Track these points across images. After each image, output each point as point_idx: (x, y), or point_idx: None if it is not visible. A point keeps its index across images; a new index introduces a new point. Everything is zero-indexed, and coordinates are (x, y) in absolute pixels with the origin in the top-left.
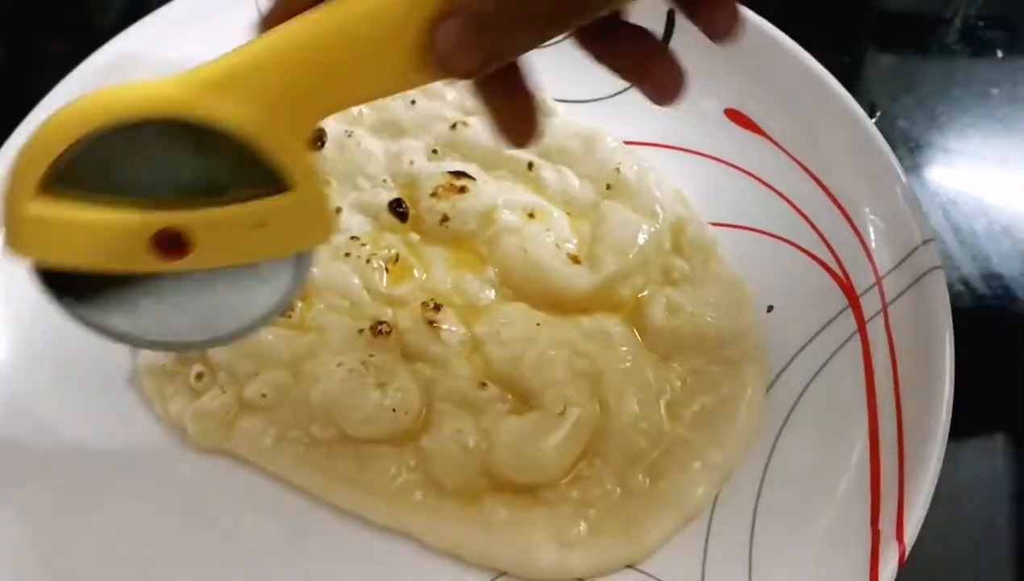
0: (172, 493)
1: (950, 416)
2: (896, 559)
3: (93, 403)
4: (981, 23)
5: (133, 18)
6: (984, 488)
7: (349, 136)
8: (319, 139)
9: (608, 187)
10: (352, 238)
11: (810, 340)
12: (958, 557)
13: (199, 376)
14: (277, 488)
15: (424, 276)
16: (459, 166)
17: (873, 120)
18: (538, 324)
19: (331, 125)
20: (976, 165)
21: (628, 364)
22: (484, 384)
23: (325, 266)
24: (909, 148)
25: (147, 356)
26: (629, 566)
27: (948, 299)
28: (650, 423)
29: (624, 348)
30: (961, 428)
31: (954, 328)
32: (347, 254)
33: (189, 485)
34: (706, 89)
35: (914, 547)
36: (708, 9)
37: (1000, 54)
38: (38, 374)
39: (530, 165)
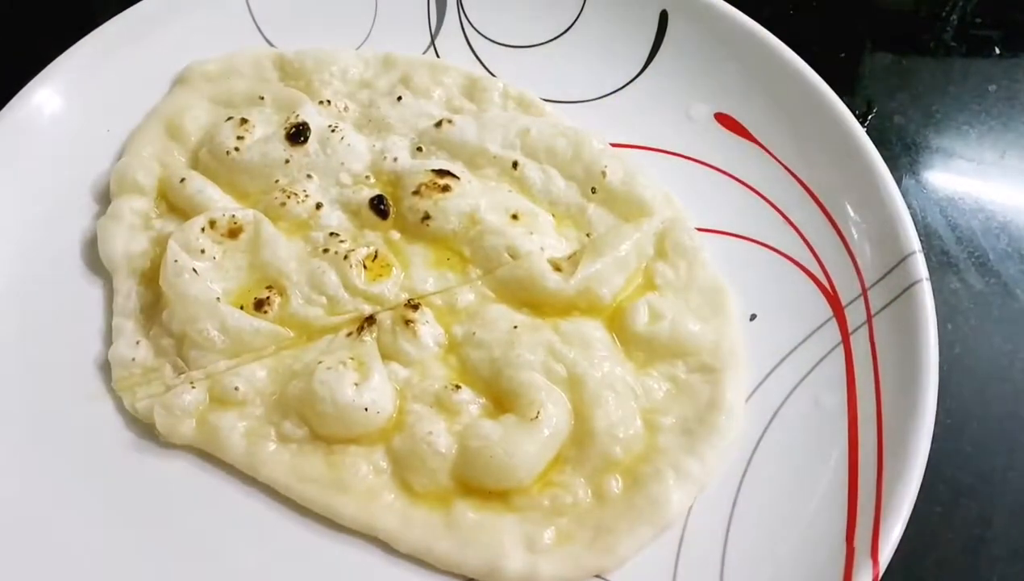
0: (136, 491)
1: (931, 433)
2: (870, 577)
3: (58, 392)
4: (978, 20)
5: None
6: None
7: (333, 131)
8: (302, 133)
9: (593, 190)
10: (331, 234)
11: (793, 350)
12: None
13: (176, 370)
14: (244, 489)
15: (403, 275)
16: (444, 164)
17: (869, 117)
18: (516, 327)
19: (315, 120)
20: (973, 162)
21: (606, 370)
22: (458, 386)
23: (303, 261)
24: (905, 145)
25: (119, 347)
26: (598, 576)
27: (933, 312)
28: (626, 431)
29: (603, 353)
30: (953, 428)
31: (951, 324)
32: (325, 250)
33: (154, 482)
34: (697, 93)
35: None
36: None
37: (997, 51)
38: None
39: (515, 164)
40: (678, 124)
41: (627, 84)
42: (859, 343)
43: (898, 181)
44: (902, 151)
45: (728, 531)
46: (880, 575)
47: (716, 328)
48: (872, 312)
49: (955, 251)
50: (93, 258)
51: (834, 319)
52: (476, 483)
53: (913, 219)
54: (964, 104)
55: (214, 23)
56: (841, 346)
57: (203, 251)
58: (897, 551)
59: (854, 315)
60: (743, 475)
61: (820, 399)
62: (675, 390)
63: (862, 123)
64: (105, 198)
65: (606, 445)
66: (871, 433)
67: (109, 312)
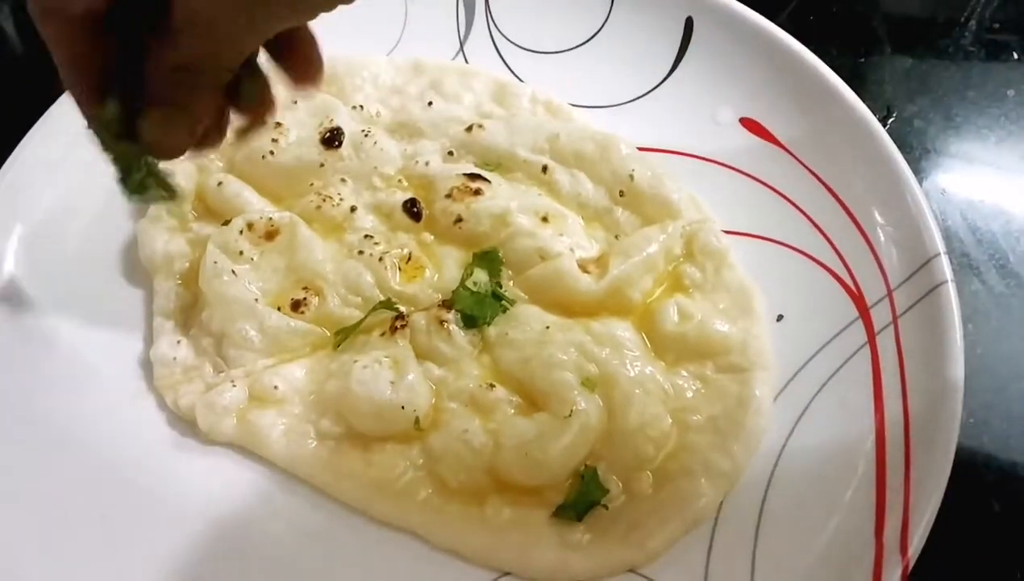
0: (179, 487)
1: (958, 430)
2: (900, 572)
3: (102, 392)
4: (996, 26)
5: None
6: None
7: (366, 136)
8: (336, 138)
9: (621, 194)
10: (366, 236)
11: (819, 350)
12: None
13: (216, 369)
14: (283, 484)
15: (436, 276)
16: (474, 169)
17: (889, 121)
18: (548, 327)
19: (348, 125)
20: (993, 166)
21: (636, 369)
22: (492, 385)
23: (338, 262)
24: (925, 149)
25: (160, 347)
26: (631, 570)
27: (958, 313)
28: (657, 429)
29: (634, 353)
30: (975, 427)
31: (972, 326)
32: (360, 252)
33: (194, 479)
34: (722, 98)
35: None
36: (290, 57)
37: (1015, 56)
38: (48, 361)
39: (545, 169)
40: (704, 128)
41: (653, 89)
42: (885, 343)
43: (918, 184)
44: (922, 155)
45: (758, 527)
46: (909, 570)
47: (744, 328)
48: (898, 313)
49: (976, 254)
50: (133, 260)
51: (860, 320)
52: (510, 479)
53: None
54: (983, 109)
55: None
56: (867, 346)
57: (241, 253)
58: (922, 549)
59: (880, 316)
60: (772, 472)
61: (847, 398)
62: (705, 389)
63: (882, 127)
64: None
65: (638, 443)
66: (898, 431)
67: (150, 313)
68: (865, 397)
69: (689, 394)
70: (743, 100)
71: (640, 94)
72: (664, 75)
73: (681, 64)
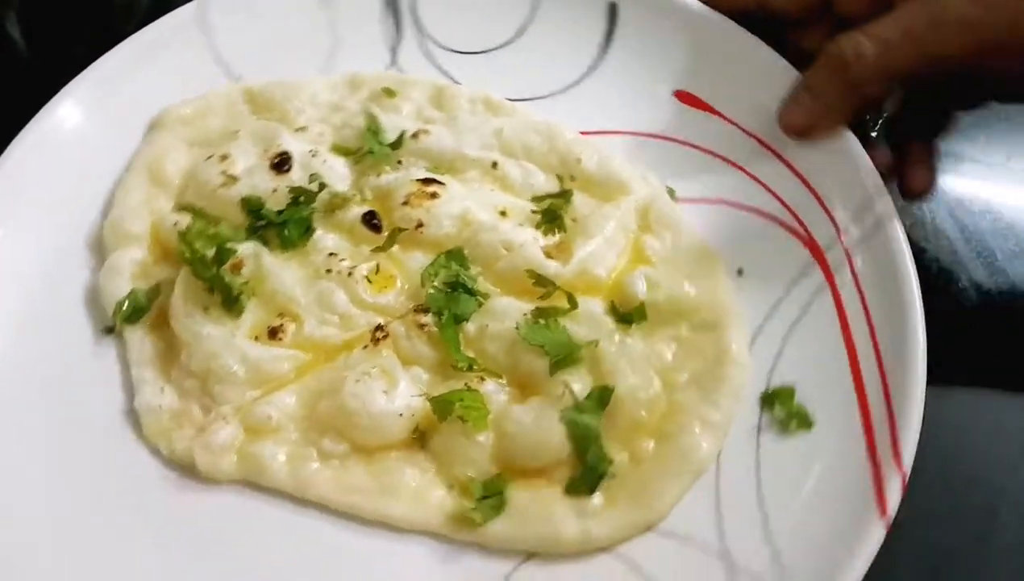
0: (186, 528)
1: (926, 342)
2: (899, 483)
3: (91, 451)
4: None
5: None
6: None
7: (314, 156)
8: (285, 162)
9: (572, 178)
10: (330, 255)
11: (783, 297)
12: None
13: (205, 410)
14: (293, 508)
15: (407, 284)
16: (426, 174)
17: (880, 121)
18: (525, 314)
19: (295, 147)
20: (981, 164)
21: (617, 340)
22: (482, 378)
23: (308, 285)
24: None
25: (144, 396)
26: (649, 529)
27: (907, 239)
28: (646, 393)
29: (611, 326)
30: (965, 423)
31: (961, 325)
32: (328, 270)
33: (203, 517)
34: (655, 75)
35: None
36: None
37: None
38: (28, 415)
39: (495, 164)
40: (641, 106)
41: (586, 74)
42: (843, 279)
43: None
44: None
45: (759, 468)
46: (907, 479)
47: (709, 288)
48: (851, 251)
49: (963, 250)
50: (97, 311)
51: (816, 264)
52: (518, 465)
53: (922, 220)
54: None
55: (180, 64)
56: (827, 285)
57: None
58: (903, 540)
59: (834, 257)
60: (760, 415)
61: (817, 335)
62: (682, 350)
63: (872, 128)
64: (98, 251)
65: (632, 410)
66: (870, 357)
67: (124, 364)
68: (833, 330)
69: (669, 356)
70: (675, 75)
71: (575, 80)
72: (595, 60)
73: (611, 48)
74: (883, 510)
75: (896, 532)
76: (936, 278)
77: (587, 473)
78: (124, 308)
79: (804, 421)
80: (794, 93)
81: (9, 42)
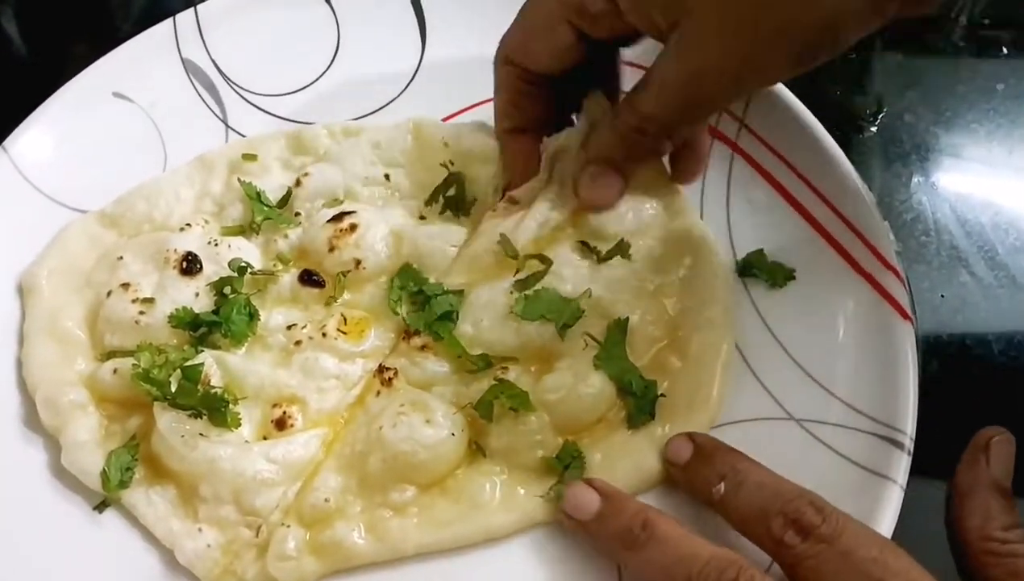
0: None
1: (845, 158)
2: (897, 280)
3: None
4: (986, 21)
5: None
6: None
7: (215, 245)
8: (193, 263)
9: (452, 162)
10: (289, 328)
11: (705, 179)
12: None
13: (253, 528)
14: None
15: (380, 318)
16: (330, 211)
17: (880, 116)
18: (509, 291)
19: (192, 245)
20: (982, 160)
21: (605, 277)
22: (505, 368)
23: (288, 365)
24: (915, 143)
25: (186, 547)
26: (712, 427)
27: (793, 97)
28: (654, 314)
29: (588, 265)
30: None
31: (961, 317)
32: (297, 343)
33: None
34: (485, 46)
35: None
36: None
37: (1005, 51)
38: None
39: (387, 177)
40: (477, 80)
41: (418, 69)
42: (745, 142)
43: (908, 178)
44: (912, 149)
45: (774, 334)
46: (901, 274)
47: (652, 203)
48: (740, 116)
49: (965, 246)
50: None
51: (717, 140)
52: (576, 427)
53: (923, 215)
54: (973, 103)
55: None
56: (733, 153)
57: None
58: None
59: (728, 128)
60: (748, 292)
61: (751, 199)
62: (661, 261)
63: (872, 122)
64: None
65: (646, 332)
66: (803, 191)
67: (139, 527)
68: (762, 186)
69: (652, 271)
70: (495, 42)
71: (410, 79)
72: (422, 49)
73: (429, 33)
74: (901, 313)
75: None
76: (937, 273)
77: (640, 402)
78: (111, 477)
79: (786, 273)
80: (585, 171)
81: (5, 38)
